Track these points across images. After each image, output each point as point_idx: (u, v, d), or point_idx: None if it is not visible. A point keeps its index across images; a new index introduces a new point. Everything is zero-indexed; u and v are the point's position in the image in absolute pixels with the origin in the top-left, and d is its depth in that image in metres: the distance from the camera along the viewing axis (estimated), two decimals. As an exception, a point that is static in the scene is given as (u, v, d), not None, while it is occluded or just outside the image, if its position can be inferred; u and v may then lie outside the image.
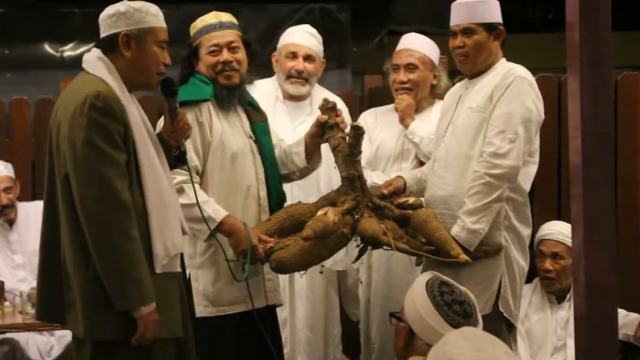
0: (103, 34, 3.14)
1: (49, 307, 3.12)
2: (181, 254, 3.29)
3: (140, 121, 3.11)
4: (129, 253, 2.95)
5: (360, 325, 4.46)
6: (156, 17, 3.16)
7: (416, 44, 4.33)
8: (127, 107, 3.05)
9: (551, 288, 4.56)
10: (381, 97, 4.90)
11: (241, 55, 3.76)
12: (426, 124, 4.23)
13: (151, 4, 3.17)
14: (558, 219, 5.05)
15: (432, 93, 4.37)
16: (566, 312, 4.56)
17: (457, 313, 2.67)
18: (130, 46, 3.11)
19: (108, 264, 2.94)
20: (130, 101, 3.11)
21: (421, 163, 4.21)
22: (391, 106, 4.40)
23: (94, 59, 3.12)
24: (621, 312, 4.49)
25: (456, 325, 2.62)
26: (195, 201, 3.49)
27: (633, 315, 4.68)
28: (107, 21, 3.13)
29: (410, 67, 4.27)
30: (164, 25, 3.19)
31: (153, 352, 3.06)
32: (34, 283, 4.73)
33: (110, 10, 3.14)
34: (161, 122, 3.42)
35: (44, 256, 3.13)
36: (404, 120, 4.27)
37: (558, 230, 4.52)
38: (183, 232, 3.25)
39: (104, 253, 2.94)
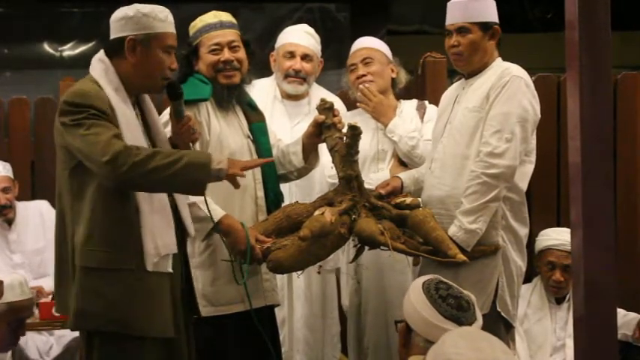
0: (111, 37, 3.21)
1: (63, 300, 3.17)
2: (186, 256, 3.36)
3: (132, 123, 3.15)
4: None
5: (349, 330, 4.39)
6: (163, 22, 3.20)
7: (366, 43, 4.36)
8: (117, 109, 3.11)
9: (559, 294, 4.60)
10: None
11: (242, 54, 3.77)
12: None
13: (161, 9, 3.21)
14: (557, 219, 5.06)
15: (394, 89, 4.34)
16: (565, 312, 4.57)
17: (451, 305, 2.66)
18: (136, 51, 3.16)
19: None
20: (124, 103, 3.15)
21: (400, 162, 4.20)
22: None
23: (95, 60, 3.21)
24: (620, 312, 4.50)
25: (449, 317, 2.62)
26: (193, 200, 3.50)
27: (632, 315, 4.68)
28: (115, 24, 3.19)
29: (366, 61, 4.28)
30: (172, 30, 3.23)
31: (140, 348, 3.10)
32: (34, 283, 4.77)
33: (119, 13, 3.20)
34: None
35: (58, 251, 3.18)
36: (379, 120, 4.25)
37: (568, 240, 4.50)
38: (188, 234, 3.32)
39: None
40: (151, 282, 3.11)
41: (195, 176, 3.05)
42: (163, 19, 3.19)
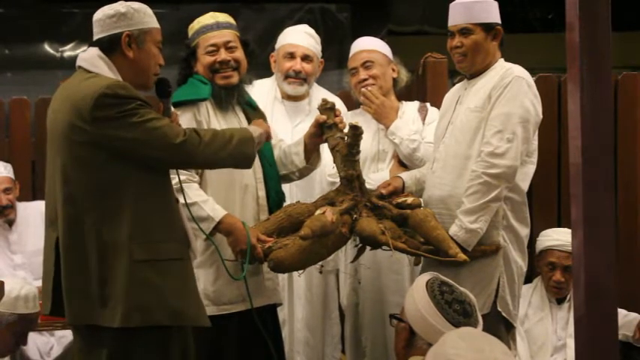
0: (101, 35, 3.15)
1: (85, 308, 3.04)
2: None
3: None
4: None
5: (346, 329, 4.41)
6: (152, 18, 3.20)
7: (366, 44, 4.35)
8: None
9: (560, 295, 4.59)
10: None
11: (239, 54, 3.77)
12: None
13: (146, 6, 3.20)
14: (558, 219, 5.06)
15: (395, 89, 4.34)
16: (566, 312, 4.57)
17: (457, 312, 2.68)
18: (131, 47, 3.13)
19: None
20: None
21: (400, 163, 4.20)
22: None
23: (94, 58, 3.13)
24: (620, 312, 4.49)
25: (456, 324, 2.64)
26: (195, 200, 3.51)
27: (632, 315, 4.68)
28: (106, 21, 3.14)
29: (367, 65, 4.27)
30: (159, 26, 3.22)
31: (171, 338, 3.08)
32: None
33: (109, 10, 3.15)
34: None
35: (70, 258, 3.03)
36: (381, 122, 4.24)
37: (568, 241, 4.49)
38: None
39: None
40: (191, 271, 3.17)
41: (246, 151, 3.27)
42: (151, 14, 3.19)
